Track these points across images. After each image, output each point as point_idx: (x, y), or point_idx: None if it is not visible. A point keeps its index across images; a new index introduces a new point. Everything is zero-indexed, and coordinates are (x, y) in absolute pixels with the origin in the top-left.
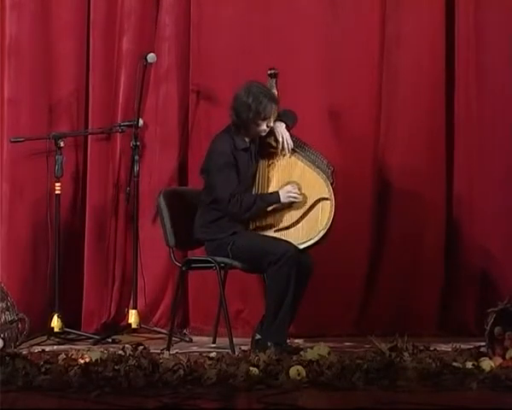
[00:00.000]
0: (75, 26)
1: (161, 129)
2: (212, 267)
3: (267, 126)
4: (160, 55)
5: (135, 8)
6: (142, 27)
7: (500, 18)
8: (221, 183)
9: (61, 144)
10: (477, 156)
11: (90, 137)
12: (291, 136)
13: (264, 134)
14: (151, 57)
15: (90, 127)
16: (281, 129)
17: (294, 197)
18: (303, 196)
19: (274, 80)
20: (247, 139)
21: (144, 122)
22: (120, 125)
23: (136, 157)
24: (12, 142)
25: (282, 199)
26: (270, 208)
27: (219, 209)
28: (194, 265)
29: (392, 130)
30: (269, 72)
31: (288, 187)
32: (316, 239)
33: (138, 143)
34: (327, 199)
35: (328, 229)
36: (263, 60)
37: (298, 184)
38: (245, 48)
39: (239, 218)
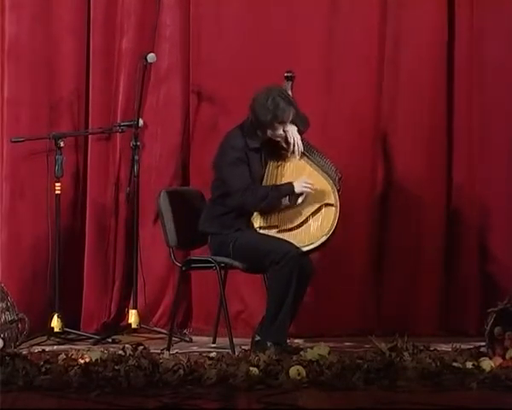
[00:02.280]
0: (75, 26)
1: (162, 129)
2: (212, 267)
3: (283, 131)
4: (161, 55)
5: (135, 8)
6: (142, 27)
7: (501, 16)
8: (234, 176)
9: (61, 144)
10: (478, 155)
11: (90, 137)
12: (302, 139)
13: (278, 139)
14: (151, 57)
15: (90, 127)
16: (292, 131)
17: (309, 187)
18: (311, 196)
19: (290, 83)
20: (259, 141)
21: (145, 122)
22: (120, 125)
23: (136, 157)
24: (12, 142)
25: (296, 189)
26: (284, 201)
27: (228, 204)
28: (194, 265)
29: (393, 128)
30: (285, 74)
31: (304, 178)
32: (317, 244)
33: (138, 143)
34: (332, 205)
35: (331, 235)
36: (263, 59)
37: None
38: (245, 48)
39: (254, 208)
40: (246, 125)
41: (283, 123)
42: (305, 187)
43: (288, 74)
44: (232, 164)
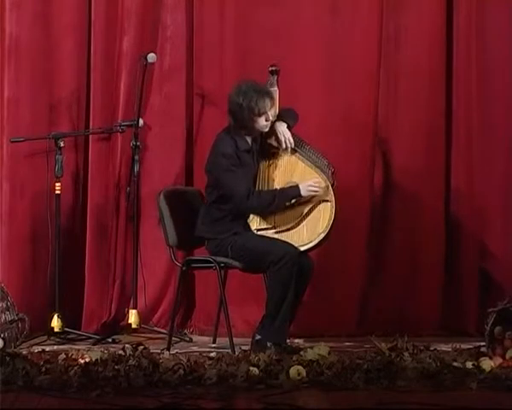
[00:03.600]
0: (75, 25)
1: (165, 129)
2: (211, 267)
3: (266, 121)
4: (164, 55)
5: (136, 8)
6: (143, 27)
7: (500, 16)
8: (234, 181)
9: (61, 144)
10: (477, 155)
11: (91, 136)
12: (292, 135)
13: (266, 130)
14: (151, 57)
15: (91, 127)
16: (282, 128)
17: (315, 191)
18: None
19: (275, 77)
20: (248, 140)
21: (147, 123)
22: (120, 125)
23: (136, 157)
24: (12, 142)
25: (303, 193)
26: (289, 203)
27: (226, 208)
28: (194, 265)
29: (392, 128)
30: (270, 68)
31: (309, 181)
32: (316, 242)
33: (138, 143)
34: (327, 201)
35: (329, 231)
36: (265, 59)
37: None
38: (248, 48)
39: (259, 213)
40: (230, 128)
41: (262, 114)
42: (312, 190)
43: (273, 68)
44: (229, 170)
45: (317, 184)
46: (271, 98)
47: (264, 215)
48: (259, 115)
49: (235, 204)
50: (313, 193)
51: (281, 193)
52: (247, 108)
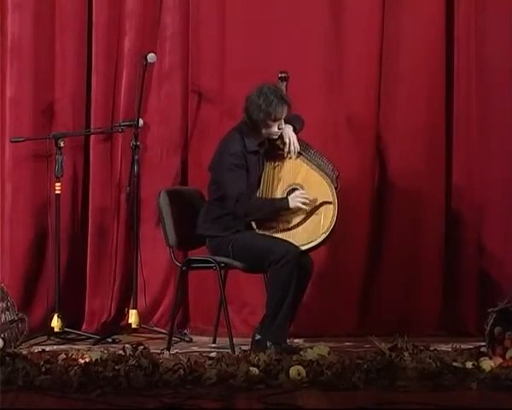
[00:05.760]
0: (76, 26)
1: (164, 129)
2: (212, 267)
3: (278, 128)
4: (163, 55)
5: (137, 9)
6: (143, 27)
7: (500, 16)
8: (230, 182)
9: (62, 144)
10: (477, 155)
11: (92, 137)
12: (298, 139)
13: (275, 137)
14: (151, 57)
15: (92, 127)
16: (288, 131)
17: (303, 202)
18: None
19: (284, 83)
20: (256, 142)
21: (147, 122)
22: (120, 125)
23: (136, 157)
24: (12, 142)
25: (291, 204)
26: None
27: (226, 207)
28: (194, 265)
29: (393, 128)
30: (279, 75)
31: (297, 192)
32: (317, 242)
33: (138, 143)
34: (330, 203)
35: (330, 233)
36: (263, 60)
37: (302, 187)
38: (245, 47)
39: (244, 218)
40: (242, 126)
41: (277, 120)
42: (300, 201)
43: (282, 75)
44: (229, 170)
45: (305, 196)
46: (289, 107)
47: (247, 221)
48: (274, 121)
49: (227, 204)
50: (300, 205)
51: (269, 203)
52: (264, 111)
